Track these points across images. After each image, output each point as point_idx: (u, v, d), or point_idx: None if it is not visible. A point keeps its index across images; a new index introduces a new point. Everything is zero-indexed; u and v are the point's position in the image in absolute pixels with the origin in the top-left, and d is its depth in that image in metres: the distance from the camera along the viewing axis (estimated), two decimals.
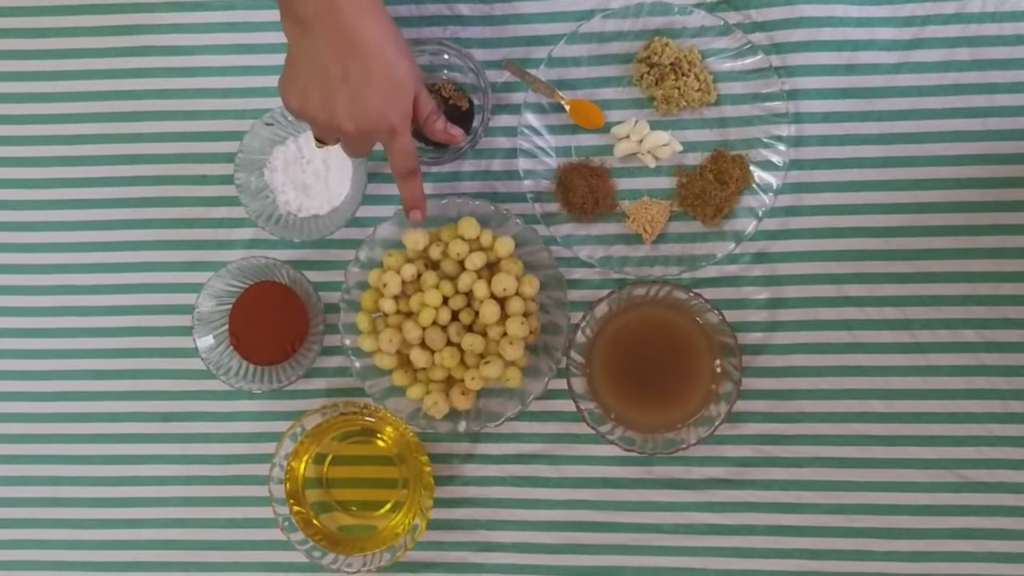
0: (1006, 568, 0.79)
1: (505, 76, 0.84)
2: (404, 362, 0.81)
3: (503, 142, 0.84)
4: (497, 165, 0.84)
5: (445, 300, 0.79)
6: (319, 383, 0.85)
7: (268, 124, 0.84)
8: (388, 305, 0.80)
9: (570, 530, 0.83)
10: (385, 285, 0.79)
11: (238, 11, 0.86)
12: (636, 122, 0.82)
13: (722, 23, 0.80)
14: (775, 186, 0.80)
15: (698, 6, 0.81)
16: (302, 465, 0.83)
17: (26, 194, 0.88)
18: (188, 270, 0.86)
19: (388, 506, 0.84)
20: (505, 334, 0.78)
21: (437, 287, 0.79)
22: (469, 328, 0.80)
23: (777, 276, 0.81)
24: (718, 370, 0.78)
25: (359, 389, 0.83)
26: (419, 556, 0.83)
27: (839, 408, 0.81)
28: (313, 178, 0.84)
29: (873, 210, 0.80)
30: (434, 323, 0.79)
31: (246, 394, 0.84)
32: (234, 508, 0.85)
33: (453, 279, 0.80)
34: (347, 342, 0.82)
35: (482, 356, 0.79)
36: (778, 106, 0.80)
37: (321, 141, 0.75)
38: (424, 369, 0.81)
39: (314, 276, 0.83)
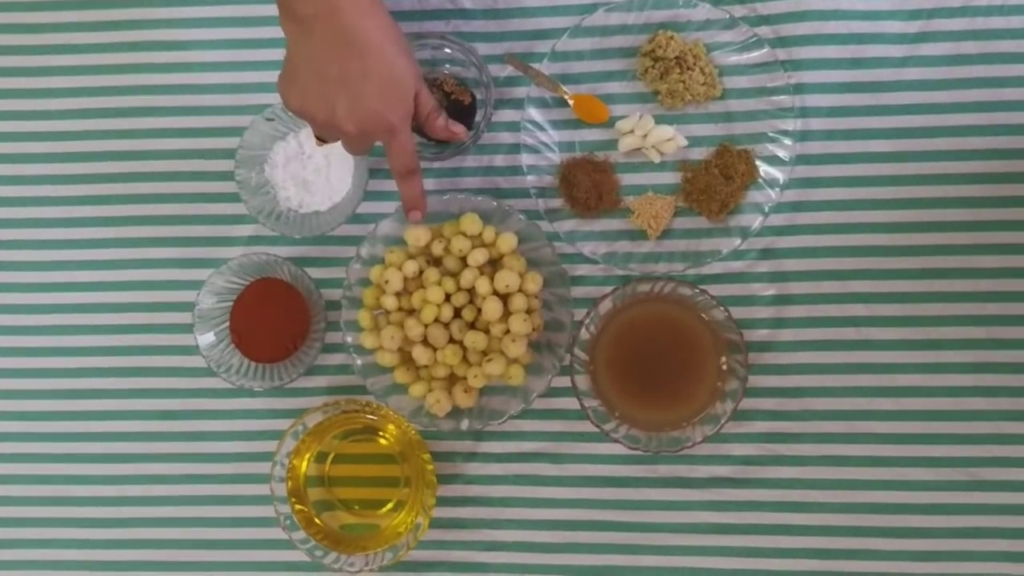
0: (1017, 568, 0.79)
1: (508, 70, 0.84)
2: (406, 359, 0.81)
3: (506, 137, 0.83)
4: (500, 160, 0.84)
5: (447, 297, 0.79)
6: (321, 381, 0.85)
7: (269, 120, 0.83)
8: (390, 302, 0.80)
9: (573, 529, 0.82)
10: (387, 282, 0.79)
11: (238, 5, 0.86)
12: (640, 117, 0.82)
13: (727, 16, 0.80)
14: (781, 181, 0.79)
15: None
16: (304, 463, 0.83)
17: (23, 191, 0.88)
18: (188, 267, 0.86)
19: (390, 505, 0.84)
20: (508, 331, 0.78)
21: (439, 284, 0.79)
22: (472, 325, 0.80)
23: (783, 272, 0.81)
24: (724, 367, 0.78)
25: (361, 387, 0.82)
26: (422, 555, 0.83)
27: (846, 406, 0.80)
28: (314, 174, 0.84)
29: (880, 206, 0.80)
30: (436, 320, 0.79)
31: (247, 392, 0.84)
32: (235, 507, 0.85)
33: (455, 275, 0.80)
34: (349, 339, 0.82)
35: (485, 353, 0.79)
36: (784, 100, 0.80)
37: (321, 139, 0.75)
38: (426, 366, 0.80)
39: (315, 273, 0.83)
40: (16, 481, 0.87)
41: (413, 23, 0.84)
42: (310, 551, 0.80)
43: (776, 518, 0.81)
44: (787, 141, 0.80)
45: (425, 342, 0.80)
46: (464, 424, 0.81)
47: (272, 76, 0.72)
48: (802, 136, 0.80)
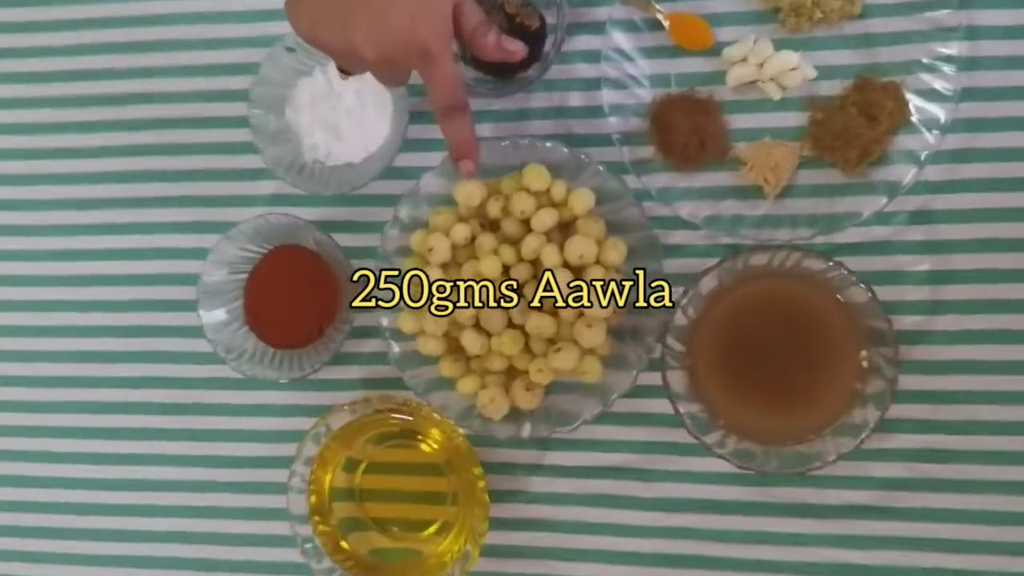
0: None
1: None
2: (454, 348, 0.76)
3: (583, 70, 0.78)
4: (574, 99, 0.78)
5: (506, 270, 0.74)
6: (350, 372, 0.81)
7: (290, 50, 0.78)
8: (435, 275, 0.74)
9: (664, 565, 0.77)
10: (431, 250, 0.74)
11: None
12: (755, 41, 0.75)
13: None
14: (941, 122, 0.71)
15: None
16: (329, 474, 0.78)
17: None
18: (194, 231, 0.82)
19: (434, 527, 0.78)
20: (582, 314, 0.72)
21: (496, 253, 0.74)
22: (537, 306, 0.74)
23: (942, 242, 0.73)
24: (864, 364, 0.71)
25: (398, 380, 0.77)
26: None
27: (1021, 415, 0.72)
28: (345, 117, 0.78)
29: None
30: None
31: (261, 383, 0.80)
32: (248, 522, 0.81)
33: (516, 243, 0.74)
34: (384, 322, 0.77)
35: (552, 342, 0.74)
36: (945, 17, 0.71)
37: (344, 71, 0.69)
38: (478, 357, 0.76)
39: (344, 240, 0.78)
40: (13, 482, 0.85)
41: None
42: None
43: (925, 559, 0.73)
44: (949, 70, 0.72)
45: (477, 326, 0.74)
46: (525, 430, 0.76)
47: None
48: (969, 64, 0.72)
